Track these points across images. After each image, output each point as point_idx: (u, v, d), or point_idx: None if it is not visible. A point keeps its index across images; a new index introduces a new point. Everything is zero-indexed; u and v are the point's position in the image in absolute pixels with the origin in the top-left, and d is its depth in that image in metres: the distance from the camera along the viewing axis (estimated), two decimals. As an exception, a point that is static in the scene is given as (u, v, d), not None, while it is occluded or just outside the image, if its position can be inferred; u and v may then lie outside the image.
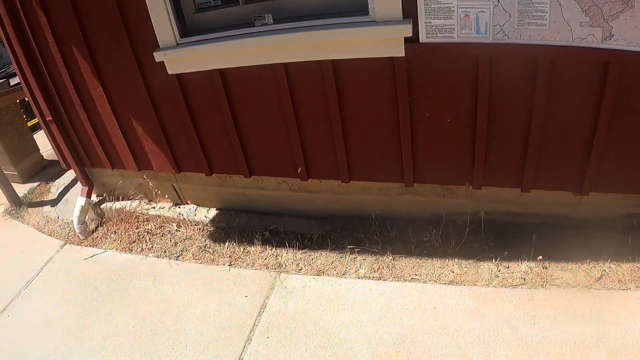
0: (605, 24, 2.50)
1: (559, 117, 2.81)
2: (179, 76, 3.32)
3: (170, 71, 3.28)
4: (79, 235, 4.22)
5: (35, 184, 5.32)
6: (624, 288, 2.91)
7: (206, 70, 3.21)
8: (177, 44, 3.17)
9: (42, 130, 6.78)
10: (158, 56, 3.20)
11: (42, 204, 4.93)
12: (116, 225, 4.22)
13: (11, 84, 6.37)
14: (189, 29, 3.21)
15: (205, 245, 3.84)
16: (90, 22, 3.36)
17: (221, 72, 3.21)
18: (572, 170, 3.00)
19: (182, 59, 3.21)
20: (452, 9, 2.66)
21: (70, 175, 5.16)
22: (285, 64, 3.06)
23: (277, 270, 3.48)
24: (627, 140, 2.81)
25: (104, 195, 4.55)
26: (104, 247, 4.07)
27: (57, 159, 5.38)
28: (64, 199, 4.86)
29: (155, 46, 3.21)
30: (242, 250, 3.72)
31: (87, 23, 3.37)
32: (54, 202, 4.88)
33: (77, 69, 3.61)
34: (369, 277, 3.29)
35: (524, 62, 2.69)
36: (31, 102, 4.14)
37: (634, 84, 2.61)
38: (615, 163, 2.90)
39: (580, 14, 2.51)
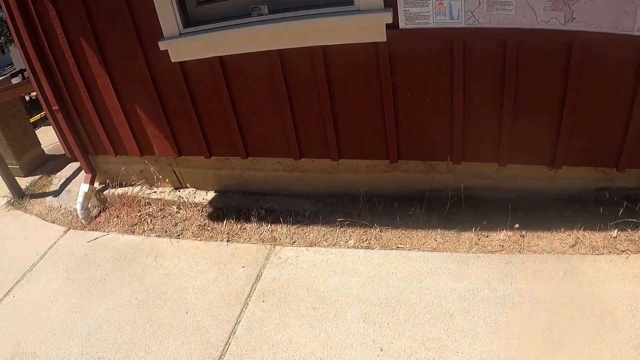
0: (566, 7, 2.82)
1: (529, 94, 3.12)
2: (181, 64, 3.58)
3: (173, 59, 3.55)
4: (82, 220, 4.41)
5: (37, 176, 5.47)
6: (596, 253, 3.16)
7: (207, 57, 3.48)
8: (180, 34, 3.44)
9: (43, 127, 7.04)
10: (162, 45, 3.46)
11: (44, 195, 5.10)
12: (118, 210, 4.43)
13: (13, 83, 6.55)
14: (191, 20, 3.48)
15: (204, 224, 4.08)
16: (98, 13, 3.60)
17: (221, 59, 3.48)
18: (545, 145, 3.29)
19: (184, 47, 3.48)
20: (428, -3, 2.97)
21: (71, 167, 5.36)
22: (279, 51, 3.35)
23: (272, 243, 3.73)
24: (593, 115, 3.11)
25: (107, 182, 4.76)
26: (106, 230, 4.27)
27: (58, 154, 5.64)
28: (66, 189, 5.04)
29: (160, 36, 3.47)
30: (239, 227, 3.96)
31: (95, 14, 3.61)
32: (56, 193, 5.05)
33: (85, 59, 3.84)
34: (358, 246, 3.55)
35: (494, 44, 3.01)
36: (38, 93, 4.34)
37: (595, 61, 2.93)
38: (584, 137, 3.20)
39: (544, -1, 2.82)
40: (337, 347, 2.85)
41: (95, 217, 4.46)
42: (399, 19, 3.07)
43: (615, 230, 3.26)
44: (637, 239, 3.20)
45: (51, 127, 4.61)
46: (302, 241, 3.70)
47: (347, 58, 3.27)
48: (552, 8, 2.84)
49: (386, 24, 3.08)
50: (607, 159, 3.28)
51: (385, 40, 3.12)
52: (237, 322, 3.11)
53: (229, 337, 3.02)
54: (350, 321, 2.98)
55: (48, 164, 5.73)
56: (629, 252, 3.12)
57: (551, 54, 2.97)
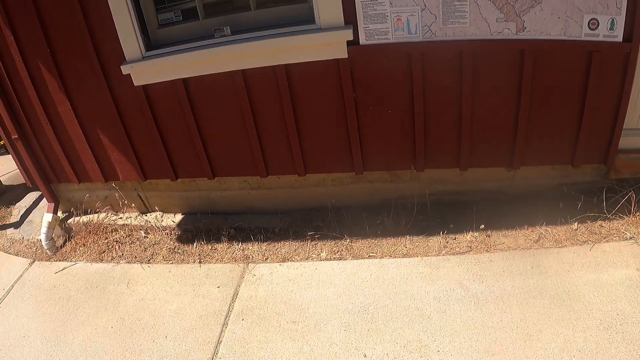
0: (518, 18, 3.01)
1: (487, 101, 3.29)
2: (145, 87, 3.59)
3: (136, 83, 3.55)
4: (48, 251, 4.31)
5: (-5, 209, 5.31)
6: (560, 246, 3.35)
7: (170, 80, 3.51)
8: (143, 57, 3.45)
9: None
10: (125, 69, 3.47)
11: (4, 227, 4.94)
12: (84, 238, 4.36)
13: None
14: (153, 43, 3.51)
15: (175, 247, 4.07)
16: (58, 38, 3.56)
17: (184, 81, 3.51)
18: (503, 148, 3.47)
19: (147, 70, 3.49)
20: (386, 14, 3.10)
21: (31, 197, 5.22)
22: (243, 71, 3.41)
23: (245, 261, 3.76)
24: (547, 116, 3.31)
25: (71, 210, 4.68)
26: (74, 259, 4.18)
27: (15, 183, 5.49)
28: (27, 220, 4.92)
29: (122, 60, 3.48)
30: (210, 248, 3.97)
31: (54, 39, 3.57)
32: (17, 225, 4.92)
33: (44, 85, 3.79)
34: (330, 258, 3.63)
35: (451, 56, 3.16)
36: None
37: (546, 67, 3.13)
38: (540, 137, 3.39)
39: (496, 11, 3.01)
40: (321, 357, 2.90)
41: (61, 247, 4.37)
42: (359, 36, 3.18)
43: (576, 223, 3.46)
44: (596, 230, 3.40)
45: (6, 156, 4.49)
46: (275, 257, 3.74)
47: (309, 75, 3.36)
48: (505, 19, 3.01)
49: (347, 41, 3.19)
50: (563, 157, 3.48)
51: (347, 56, 3.23)
52: (219, 342, 3.13)
53: (212, 357, 3.03)
54: (332, 331, 3.04)
55: (6, 195, 5.55)
56: (590, 242, 3.33)
57: (505, 62, 3.15)
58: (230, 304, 3.40)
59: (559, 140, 3.42)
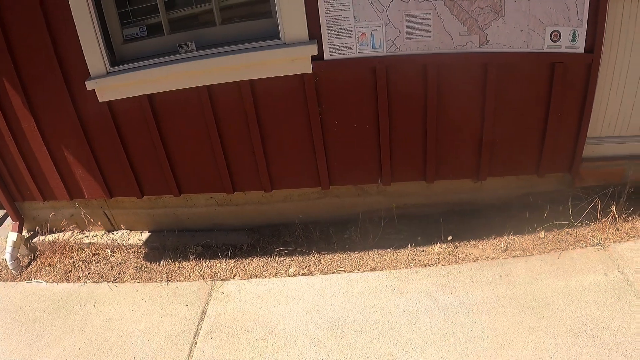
0: (480, 31, 3.06)
1: (451, 114, 3.33)
2: (109, 103, 3.54)
3: (101, 99, 3.50)
4: (13, 271, 4.22)
5: (-45, 230, 5.18)
6: (528, 255, 3.40)
7: (135, 96, 3.47)
8: (108, 73, 3.41)
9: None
10: (89, 85, 3.42)
11: (-35, 248, 4.85)
12: (50, 257, 4.28)
13: None
14: (118, 58, 3.47)
15: (142, 265, 4.01)
16: (23, 53, 3.50)
17: (149, 97, 3.48)
18: (469, 160, 3.51)
19: (112, 86, 3.45)
20: (350, 29, 3.12)
21: (-7, 217, 5.13)
22: (208, 87, 3.39)
23: (212, 279, 3.72)
24: (511, 128, 3.37)
25: (36, 229, 4.58)
26: (39, 279, 4.10)
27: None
28: (-10, 240, 4.83)
29: (87, 75, 3.43)
30: (177, 265, 3.92)
31: (18, 54, 3.51)
32: (-20, 245, 4.82)
33: (8, 101, 3.71)
34: (299, 274, 3.61)
35: (415, 70, 3.20)
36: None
37: (510, 79, 3.19)
38: (505, 148, 3.45)
39: (459, 25, 3.05)
40: (291, 374, 2.87)
41: (27, 267, 4.28)
42: (324, 50, 3.20)
43: (543, 232, 3.52)
44: (563, 237, 3.47)
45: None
46: (243, 274, 3.71)
47: (275, 91, 3.36)
48: (468, 33, 3.06)
49: (311, 56, 3.20)
50: (529, 167, 3.54)
51: (311, 71, 3.24)
52: (188, 362, 3.08)
53: (181, 377, 2.99)
54: (302, 348, 3.02)
55: (-32, 215, 5.44)
56: (557, 250, 3.38)
57: (469, 75, 3.20)
58: (199, 323, 3.36)
59: (524, 151, 3.47)
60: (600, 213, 3.48)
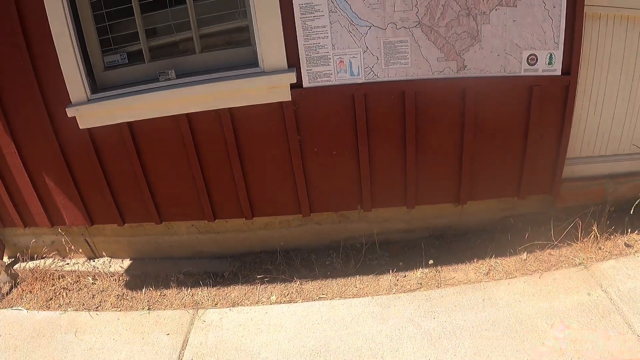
0: (458, 57, 3.10)
1: (431, 139, 3.36)
2: (90, 130, 3.54)
3: (81, 126, 3.50)
4: (-7, 298, 4.19)
5: None
6: (510, 277, 3.40)
7: (116, 123, 3.47)
8: (88, 100, 3.41)
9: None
10: (70, 111, 3.41)
11: (-56, 276, 4.79)
12: (31, 284, 4.22)
13: None
14: (99, 85, 3.47)
15: (123, 294, 3.96)
16: (4, 79, 3.49)
17: (130, 125, 3.48)
18: (450, 184, 3.53)
19: (92, 113, 3.45)
20: (328, 56, 3.15)
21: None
22: (187, 114, 3.40)
23: (194, 307, 3.68)
24: (491, 151, 3.40)
25: (17, 255, 4.54)
26: (20, 307, 4.04)
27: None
28: (-29, 267, 4.77)
29: (67, 102, 3.43)
30: (159, 294, 3.88)
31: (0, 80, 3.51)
32: (-42, 273, 4.76)
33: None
34: (281, 302, 3.58)
35: (393, 96, 3.23)
36: None
37: (488, 103, 3.22)
38: (485, 173, 3.48)
39: (437, 51, 3.09)
40: (273, 404, 2.83)
41: (7, 294, 4.22)
42: (303, 78, 3.22)
43: (525, 253, 3.53)
44: (545, 258, 3.48)
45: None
46: (225, 302, 3.68)
47: (254, 118, 3.38)
48: (445, 58, 3.10)
49: (290, 84, 3.22)
50: (509, 189, 3.57)
51: (290, 99, 3.26)
52: (169, 392, 3.04)
53: (161, 408, 2.95)
54: (283, 376, 2.99)
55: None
56: (540, 271, 3.39)
57: (447, 100, 3.23)
58: (180, 352, 3.31)
59: (504, 174, 3.50)
60: (581, 233, 3.50)
